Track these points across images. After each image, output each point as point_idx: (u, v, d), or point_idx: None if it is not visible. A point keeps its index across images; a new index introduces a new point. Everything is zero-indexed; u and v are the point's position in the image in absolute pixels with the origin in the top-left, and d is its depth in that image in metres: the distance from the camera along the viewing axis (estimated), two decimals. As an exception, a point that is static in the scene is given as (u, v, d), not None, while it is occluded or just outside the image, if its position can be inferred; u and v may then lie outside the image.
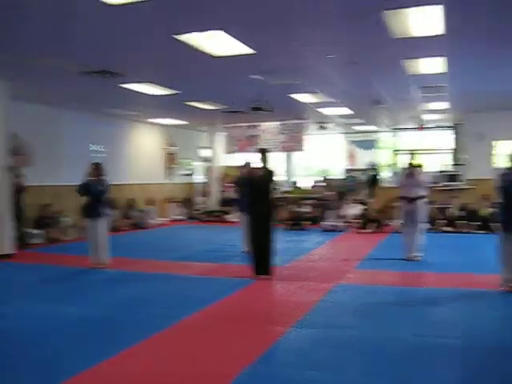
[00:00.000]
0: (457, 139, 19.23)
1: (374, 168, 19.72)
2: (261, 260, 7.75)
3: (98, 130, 15.27)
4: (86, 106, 13.79)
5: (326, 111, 15.13)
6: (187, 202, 19.30)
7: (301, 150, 18.81)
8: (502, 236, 6.68)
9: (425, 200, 9.25)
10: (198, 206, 18.94)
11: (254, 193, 7.88)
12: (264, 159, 7.86)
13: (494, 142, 15.57)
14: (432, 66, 9.40)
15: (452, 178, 15.58)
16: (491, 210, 12.95)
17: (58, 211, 13.27)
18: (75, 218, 13.03)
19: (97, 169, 9.01)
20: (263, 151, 8.03)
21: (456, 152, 19.36)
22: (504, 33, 7.42)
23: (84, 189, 8.91)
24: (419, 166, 9.16)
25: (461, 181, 15.33)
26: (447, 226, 13.47)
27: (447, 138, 20.05)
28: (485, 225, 12.95)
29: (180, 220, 17.93)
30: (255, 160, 8.11)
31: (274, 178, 8.18)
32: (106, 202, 9.34)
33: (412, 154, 9.18)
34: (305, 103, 13.53)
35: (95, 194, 8.87)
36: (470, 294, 6.66)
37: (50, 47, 7.88)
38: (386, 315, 5.75)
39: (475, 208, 14.02)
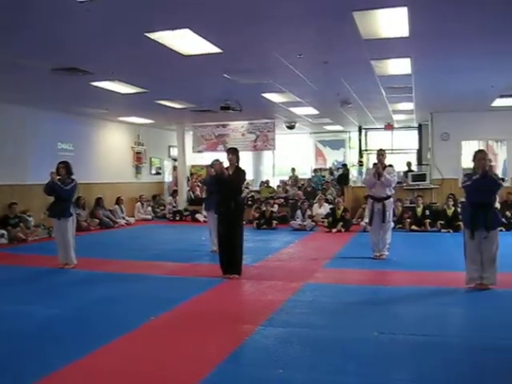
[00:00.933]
0: (421, 139, 19.57)
1: (342, 167, 19.93)
2: (229, 259, 7.75)
3: (67, 128, 15.08)
4: (55, 104, 13.60)
5: (294, 110, 15.23)
6: (156, 201, 19.19)
7: (271, 149, 18.89)
8: (466, 234, 6.81)
9: (392, 199, 9.39)
10: (166, 206, 18.83)
11: (223, 192, 7.88)
12: (233, 158, 7.87)
13: (463, 142, 15.89)
14: (398, 67, 9.55)
15: (418, 177, 15.81)
16: (457, 208, 13.18)
17: (24, 211, 13.08)
18: (42, 217, 12.88)
19: (65, 167, 8.89)
20: (233, 150, 8.03)
21: (421, 152, 19.71)
22: (466, 35, 7.57)
23: (51, 188, 8.77)
24: (388, 165, 9.27)
25: (426, 180, 15.56)
26: (414, 224, 13.65)
27: (413, 138, 20.37)
28: (450, 223, 13.16)
29: (149, 219, 17.81)
30: (224, 159, 8.11)
31: (244, 178, 8.21)
32: (74, 202, 9.22)
33: (380, 153, 9.26)
34: (274, 102, 13.59)
35: (62, 194, 8.75)
36: (436, 292, 6.76)
37: (17, 44, 7.74)
38: (354, 314, 5.81)
39: (441, 207, 14.26)
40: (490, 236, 6.60)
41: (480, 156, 6.68)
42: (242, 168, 8.03)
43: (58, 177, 8.77)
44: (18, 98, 12.50)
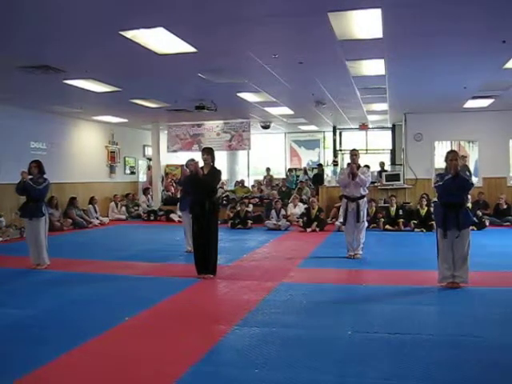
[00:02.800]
0: (395, 140, 19.77)
1: (317, 167, 20.03)
2: (204, 259, 7.73)
3: (40, 127, 14.88)
4: (27, 102, 13.38)
5: (269, 110, 15.26)
6: (130, 201, 19.04)
7: (246, 149, 18.91)
8: (439, 234, 6.89)
9: (366, 199, 9.45)
10: (141, 205, 18.71)
11: (198, 192, 7.86)
12: (209, 158, 7.86)
13: (436, 143, 16.10)
14: (373, 67, 9.63)
15: (392, 177, 15.95)
16: (430, 208, 13.32)
17: (-5, 211, 12.89)
18: (13, 217, 12.69)
19: (37, 167, 8.77)
20: (208, 150, 8.01)
21: (395, 152, 19.91)
22: (439, 37, 7.67)
23: (22, 188, 8.64)
24: (364, 166, 9.34)
25: (400, 180, 15.70)
26: (388, 224, 13.77)
27: (387, 139, 20.58)
28: (424, 223, 13.30)
29: (123, 219, 17.67)
30: (199, 159, 8.08)
31: (219, 177, 8.19)
32: (46, 202, 9.09)
33: (353, 153, 9.32)
34: (249, 102, 13.60)
35: (34, 194, 8.63)
36: (410, 291, 6.83)
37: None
38: (328, 313, 5.84)
39: (414, 207, 14.40)
40: (461, 235, 6.69)
41: (452, 156, 6.76)
42: (218, 168, 8.03)
43: (30, 176, 8.64)
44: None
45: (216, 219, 7.98)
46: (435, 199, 7.57)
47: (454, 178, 6.61)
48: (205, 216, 7.72)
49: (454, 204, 6.75)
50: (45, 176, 8.81)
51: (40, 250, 8.64)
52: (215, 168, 7.94)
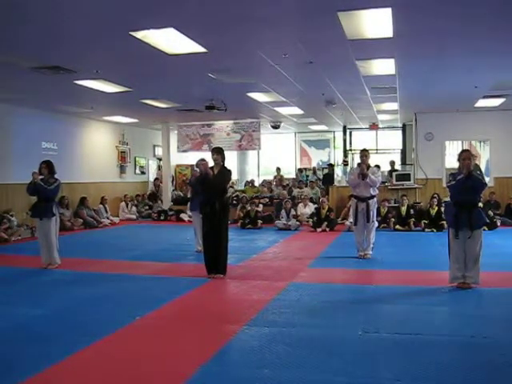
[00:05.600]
0: (406, 139, 19.70)
1: (327, 167, 20.00)
2: (214, 259, 7.73)
3: (51, 127, 14.99)
4: (38, 102, 13.47)
5: (279, 110, 15.26)
6: (140, 201, 19.10)
7: (256, 148, 18.91)
8: (451, 234, 6.85)
9: (375, 199, 9.41)
10: (151, 205, 18.77)
11: (208, 192, 7.86)
12: (219, 158, 7.85)
13: (447, 143, 16.03)
14: (383, 67, 9.60)
15: (402, 177, 15.88)
16: (440, 208, 13.27)
17: (7, 210, 12.95)
18: (24, 217, 12.77)
19: (47, 167, 8.80)
20: (217, 150, 8.01)
21: (405, 152, 19.83)
22: (449, 36, 7.64)
23: (33, 188, 8.67)
24: (375, 166, 9.29)
25: (410, 180, 15.64)
26: (398, 224, 13.72)
27: (397, 138, 20.52)
28: (434, 223, 13.24)
29: (133, 219, 17.73)
30: (209, 159, 8.09)
31: (229, 177, 8.20)
32: (57, 201, 9.12)
33: (363, 154, 9.28)
34: (259, 102, 13.60)
35: (45, 194, 8.66)
36: (420, 291, 6.80)
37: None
38: (339, 313, 5.82)
39: (425, 207, 14.35)
40: (473, 235, 6.64)
41: (464, 156, 6.71)
42: (228, 168, 8.03)
43: (41, 176, 8.68)
44: (1, 96, 12.37)
45: (226, 219, 7.98)
46: (446, 199, 7.53)
47: (467, 178, 6.57)
48: (215, 216, 7.72)
49: (466, 204, 6.70)
50: (55, 176, 8.85)
51: (51, 250, 8.67)
52: (225, 168, 7.94)
